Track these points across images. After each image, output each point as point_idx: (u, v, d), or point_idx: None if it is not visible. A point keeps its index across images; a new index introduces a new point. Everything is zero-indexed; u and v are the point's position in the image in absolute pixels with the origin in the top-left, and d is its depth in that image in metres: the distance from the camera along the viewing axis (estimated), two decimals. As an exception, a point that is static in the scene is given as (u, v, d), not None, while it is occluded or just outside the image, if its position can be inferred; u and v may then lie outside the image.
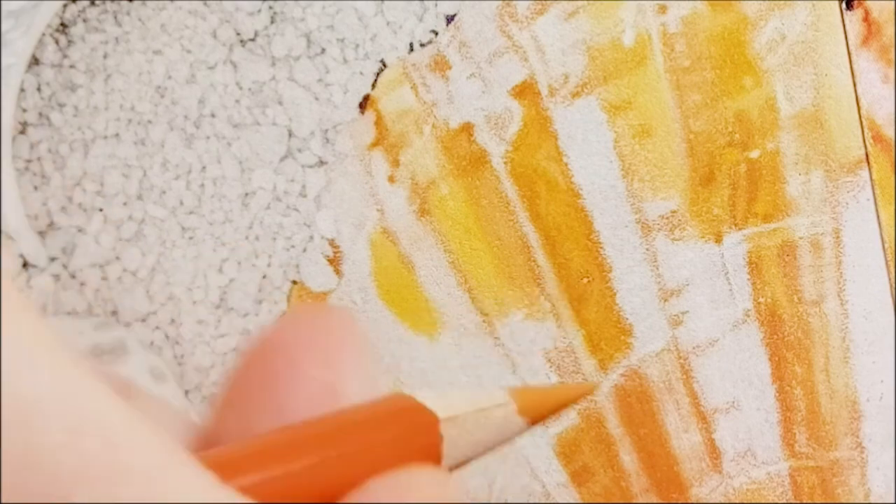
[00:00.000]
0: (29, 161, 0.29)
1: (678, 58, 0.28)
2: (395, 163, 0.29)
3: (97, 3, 0.29)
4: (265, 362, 0.17)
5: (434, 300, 0.29)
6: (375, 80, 0.29)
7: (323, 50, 0.29)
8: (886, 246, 0.29)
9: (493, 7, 0.28)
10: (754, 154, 0.28)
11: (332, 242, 0.29)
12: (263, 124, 0.29)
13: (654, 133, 0.28)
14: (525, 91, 0.28)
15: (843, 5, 0.28)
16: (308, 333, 0.17)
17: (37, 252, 0.28)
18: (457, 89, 0.29)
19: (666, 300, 0.29)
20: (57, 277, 0.29)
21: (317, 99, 0.29)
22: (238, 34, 0.29)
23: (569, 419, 0.29)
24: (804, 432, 0.29)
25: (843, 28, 0.28)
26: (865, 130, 0.28)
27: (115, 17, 0.29)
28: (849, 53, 0.28)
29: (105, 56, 0.29)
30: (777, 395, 0.29)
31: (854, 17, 0.28)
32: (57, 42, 0.28)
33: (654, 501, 0.29)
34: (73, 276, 0.29)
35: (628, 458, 0.29)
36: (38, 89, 0.28)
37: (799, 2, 0.28)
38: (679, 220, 0.28)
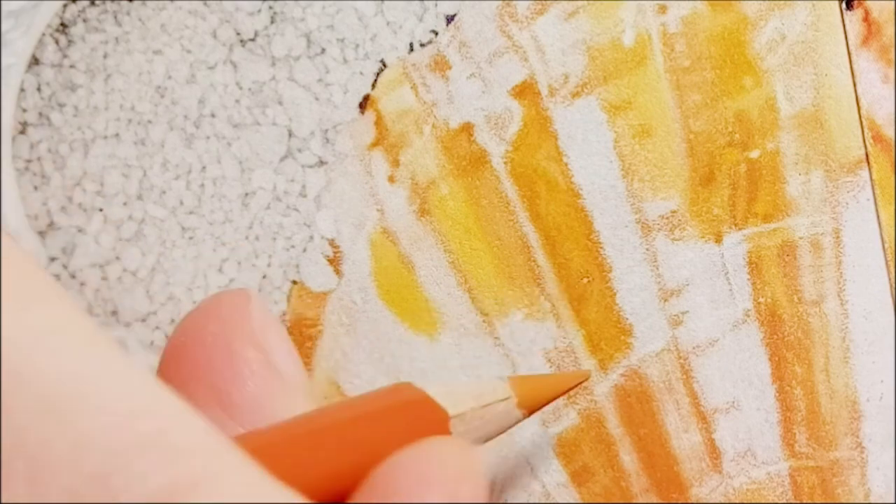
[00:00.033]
0: (29, 161, 0.29)
1: (678, 58, 0.28)
2: (395, 163, 0.29)
3: (97, 3, 0.29)
4: (198, 354, 0.18)
5: (434, 300, 0.29)
6: (375, 80, 0.29)
7: (323, 50, 0.29)
8: (886, 246, 0.29)
9: (493, 7, 0.28)
10: (754, 154, 0.28)
11: (332, 242, 0.29)
12: (263, 124, 0.29)
13: (654, 133, 0.28)
14: (525, 91, 0.28)
15: (843, 5, 0.28)
16: (233, 321, 0.19)
17: (37, 252, 0.28)
18: (457, 89, 0.29)
19: (666, 300, 0.29)
20: (57, 277, 0.29)
21: (317, 99, 0.29)
22: (238, 34, 0.29)
23: (569, 419, 0.29)
24: (804, 432, 0.29)
25: (843, 28, 0.28)
26: (865, 130, 0.28)
27: (115, 17, 0.29)
28: (849, 53, 0.28)
29: (105, 56, 0.29)
30: (777, 395, 0.29)
31: (854, 17, 0.28)
32: (57, 42, 0.28)
33: (654, 501, 0.29)
34: (73, 276, 0.29)
35: (628, 458, 0.29)
36: (38, 89, 0.28)
37: (799, 2, 0.28)
38: (679, 220, 0.28)
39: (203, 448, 0.13)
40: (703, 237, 0.29)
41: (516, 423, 0.20)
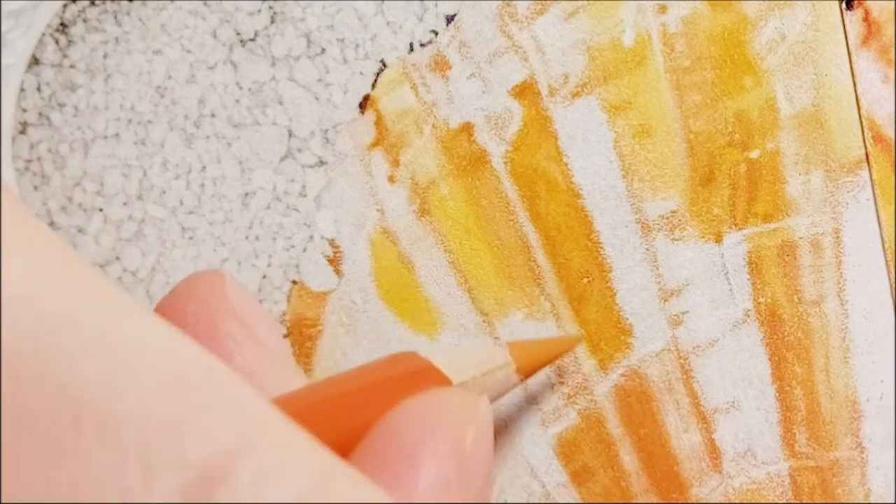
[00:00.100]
0: (29, 161, 0.29)
1: (678, 58, 0.28)
2: (395, 163, 0.29)
3: (97, 3, 0.29)
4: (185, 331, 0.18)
5: (434, 300, 0.29)
6: (375, 80, 0.29)
7: (323, 50, 0.29)
8: (886, 246, 0.29)
9: (493, 7, 0.28)
10: (754, 154, 0.28)
11: (332, 242, 0.29)
12: (263, 124, 0.29)
13: (654, 133, 0.28)
14: (525, 91, 0.28)
15: (843, 5, 0.28)
16: (211, 299, 0.19)
17: (37, 252, 0.28)
18: (457, 89, 0.29)
19: (666, 300, 0.29)
20: (57, 277, 0.28)
21: (317, 99, 0.29)
22: (238, 34, 0.29)
23: (569, 419, 0.29)
24: (804, 432, 0.29)
25: (843, 28, 0.28)
26: (865, 130, 0.28)
27: (115, 17, 0.29)
28: (849, 53, 0.28)
29: (105, 56, 0.29)
30: (777, 395, 0.29)
31: (854, 17, 0.28)
32: (57, 42, 0.28)
33: (654, 501, 0.29)
34: (73, 276, 0.29)
35: (628, 458, 0.29)
36: (38, 89, 0.28)
37: (799, 2, 0.28)
38: (679, 220, 0.28)
39: (253, 404, 0.13)
40: (703, 237, 0.29)
41: (514, 387, 0.20)
